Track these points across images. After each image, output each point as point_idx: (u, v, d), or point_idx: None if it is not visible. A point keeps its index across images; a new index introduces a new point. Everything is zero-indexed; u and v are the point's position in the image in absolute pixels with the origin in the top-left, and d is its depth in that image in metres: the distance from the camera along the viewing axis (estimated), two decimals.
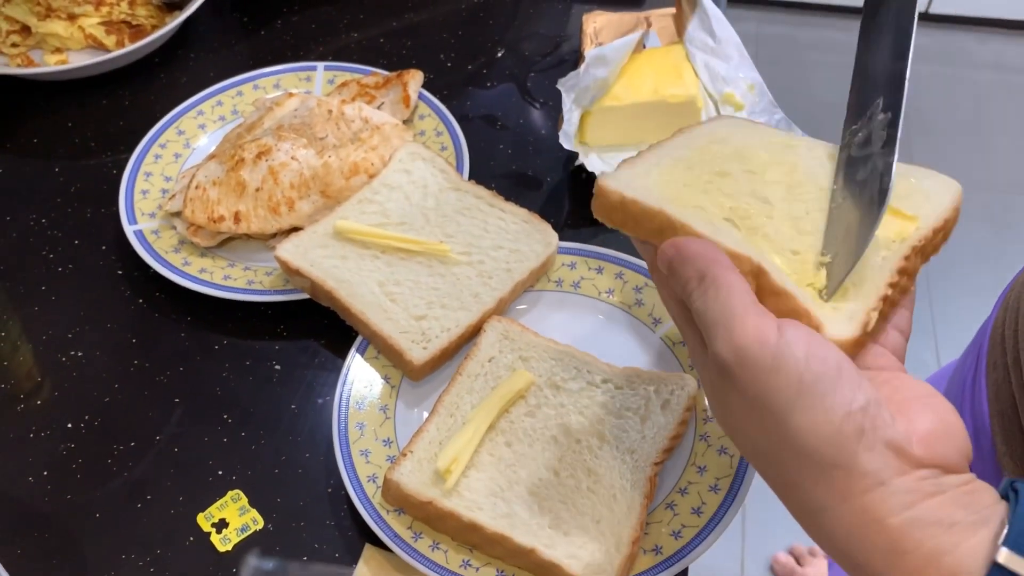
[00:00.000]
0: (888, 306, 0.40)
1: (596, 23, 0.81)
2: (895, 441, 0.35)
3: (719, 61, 0.77)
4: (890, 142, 0.42)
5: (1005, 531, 0.32)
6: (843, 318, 0.39)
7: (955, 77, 2.24)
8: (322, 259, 0.64)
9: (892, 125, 0.43)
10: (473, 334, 0.62)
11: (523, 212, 0.67)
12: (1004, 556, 0.32)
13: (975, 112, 2.18)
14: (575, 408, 0.58)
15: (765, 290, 0.39)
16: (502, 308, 0.64)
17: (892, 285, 0.40)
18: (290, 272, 0.64)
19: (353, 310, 0.62)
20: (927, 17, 2.28)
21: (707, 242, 0.39)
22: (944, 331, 1.82)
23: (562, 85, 0.72)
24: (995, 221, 1.97)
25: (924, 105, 2.17)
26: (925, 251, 0.42)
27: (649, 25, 0.79)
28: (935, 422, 0.36)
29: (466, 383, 0.60)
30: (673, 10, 0.82)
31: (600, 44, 0.78)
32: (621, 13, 0.82)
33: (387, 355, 0.62)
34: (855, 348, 0.38)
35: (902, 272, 0.41)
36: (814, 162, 0.45)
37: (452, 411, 0.59)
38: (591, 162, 0.73)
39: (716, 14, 0.78)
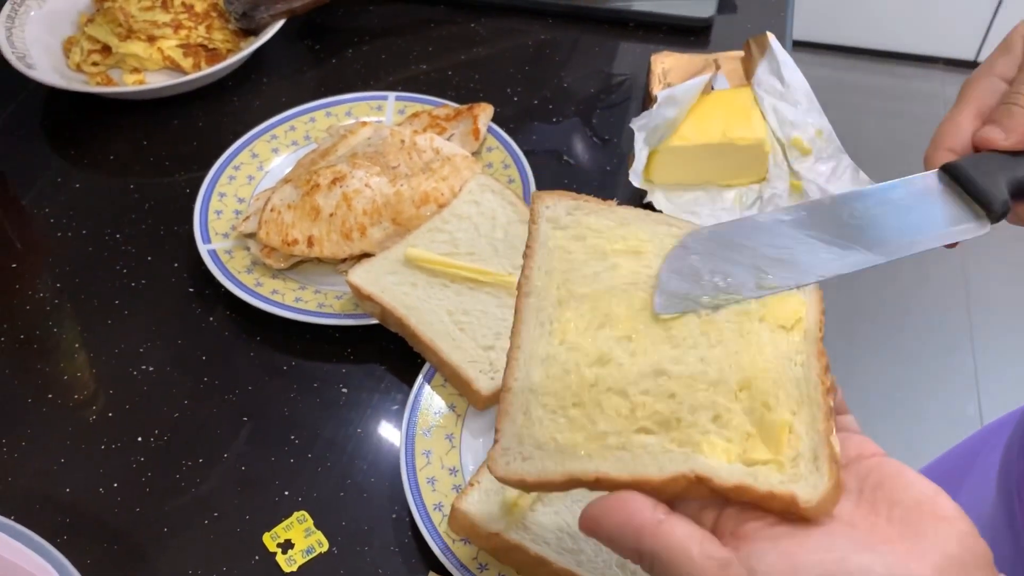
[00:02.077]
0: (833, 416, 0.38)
1: (664, 64, 0.82)
2: None
3: (787, 105, 0.78)
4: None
5: None
6: (809, 473, 0.35)
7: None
8: (393, 286, 0.65)
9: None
10: None
11: None
12: None
13: None
14: None
15: (716, 494, 0.36)
16: None
17: (828, 391, 0.38)
18: (361, 297, 0.65)
19: (423, 338, 0.63)
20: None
21: (621, 502, 0.36)
22: (987, 383, 1.81)
23: (635, 124, 0.73)
24: None
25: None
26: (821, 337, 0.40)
27: (718, 67, 0.80)
28: (953, 533, 0.33)
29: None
30: (742, 53, 0.83)
31: (669, 84, 0.79)
32: (690, 55, 0.83)
33: (454, 384, 0.62)
34: (837, 492, 0.35)
35: (826, 369, 0.38)
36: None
37: None
38: (657, 200, 0.74)
39: (785, 59, 0.79)
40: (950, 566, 0.32)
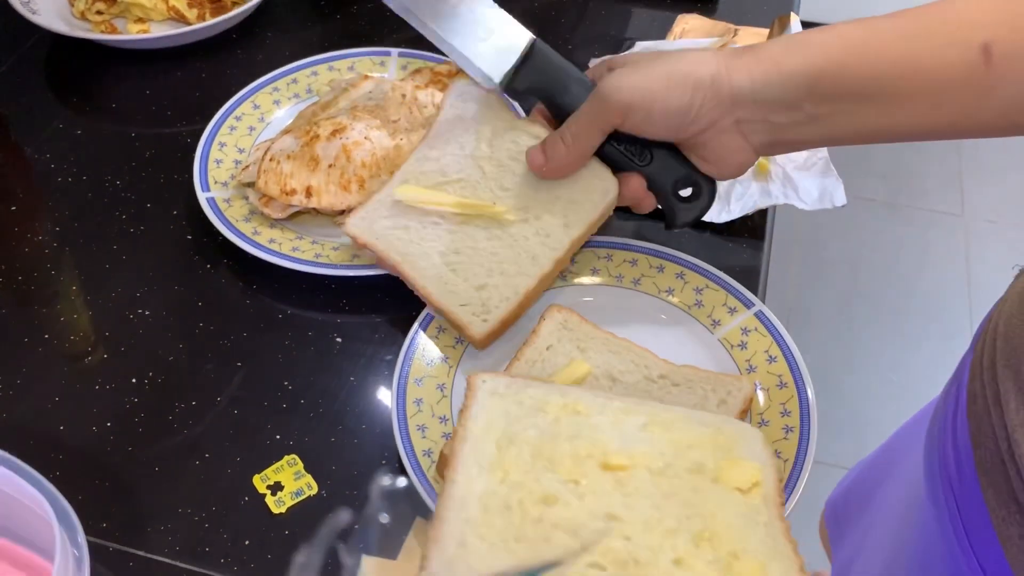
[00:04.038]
0: None
1: (687, 24, 0.82)
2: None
3: None
4: None
5: None
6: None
7: None
8: (387, 231, 0.64)
9: None
10: (533, 299, 0.63)
11: None
12: None
13: None
14: None
15: None
16: (559, 269, 0.64)
17: (791, 542, 0.38)
18: (359, 246, 0.65)
19: (417, 284, 0.63)
20: None
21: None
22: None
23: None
24: None
25: None
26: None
27: (735, 34, 0.79)
28: None
29: (523, 368, 0.61)
30: (766, 31, 0.82)
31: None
32: (714, 21, 0.82)
33: (452, 327, 0.63)
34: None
35: (788, 530, 0.39)
36: (611, 429, 0.44)
37: None
38: None
39: None
40: None
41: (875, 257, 2.07)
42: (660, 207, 0.63)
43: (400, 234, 0.64)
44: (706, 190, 0.61)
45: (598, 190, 0.63)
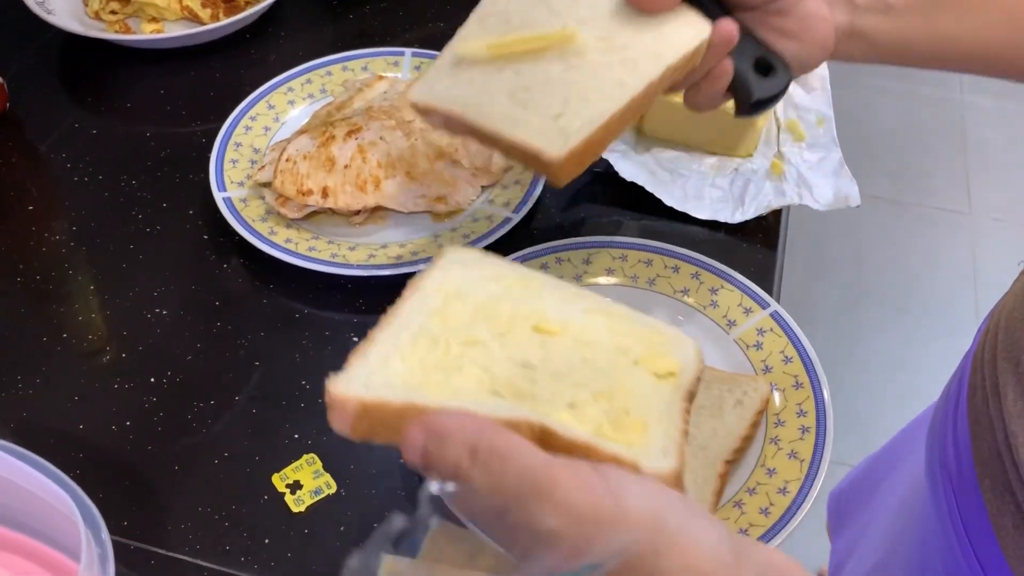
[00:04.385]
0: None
1: None
2: (768, 559, 0.32)
3: (800, 88, 0.78)
4: None
5: None
6: (656, 453, 0.36)
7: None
8: (448, 89, 0.54)
9: None
10: (619, 129, 0.53)
11: None
12: None
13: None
14: None
15: (558, 451, 0.34)
16: (652, 95, 0.54)
17: (685, 432, 0.39)
18: (421, 111, 0.55)
19: (484, 129, 0.52)
20: None
21: (461, 412, 0.33)
22: None
23: None
24: None
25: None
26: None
27: None
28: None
29: None
30: None
31: None
32: None
33: (526, 163, 0.53)
34: (678, 482, 0.35)
35: (687, 412, 0.40)
36: (557, 303, 0.43)
37: None
38: (622, 168, 0.73)
39: None
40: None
41: (882, 255, 2.07)
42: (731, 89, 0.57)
43: (463, 88, 0.54)
44: (783, 69, 0.55)
45: (692, 26, 0.54)
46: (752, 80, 0.55)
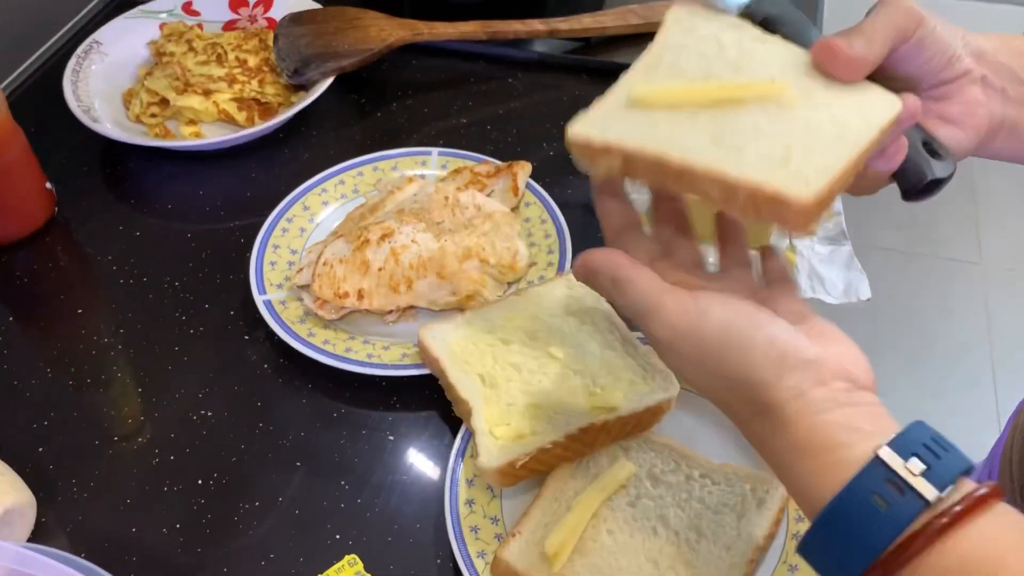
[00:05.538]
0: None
1: None
2: (811, 359, 0.44)
3: None
4: None
5: (892, 437, 0.41)
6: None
7: None
8: (628, 131, 0.48)
9: None
10: (842, 186, 0.48)
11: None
12: (885, 452, 0.40)
13: None
14: (673, 501, 0.62)
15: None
16: (863, 159, 0.49)
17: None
18: (592, 153, 0.48)
19: (696, 167, 0.46)
20: None
21: (608, 251, 0.48)
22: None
23: None
24: None
25: None
26: None
27: None
28: (846, 347, 0.46)
29: (569, 468, 0.64)
30: None
31: None
32: None
33: (754, 211, 0.46)
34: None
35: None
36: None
37: (557, 496, 0.63)
38: None
39: None
40: (848, 361, 0.45)
41: (894, 307, 2.09)
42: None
43: (647, 130, 0.48)
44: (948, 152, 0.53)
45: (882, 98, 0.51)
46: (926, 161, 0.53)
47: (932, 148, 0.53)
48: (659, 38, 0.53)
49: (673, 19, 0.54)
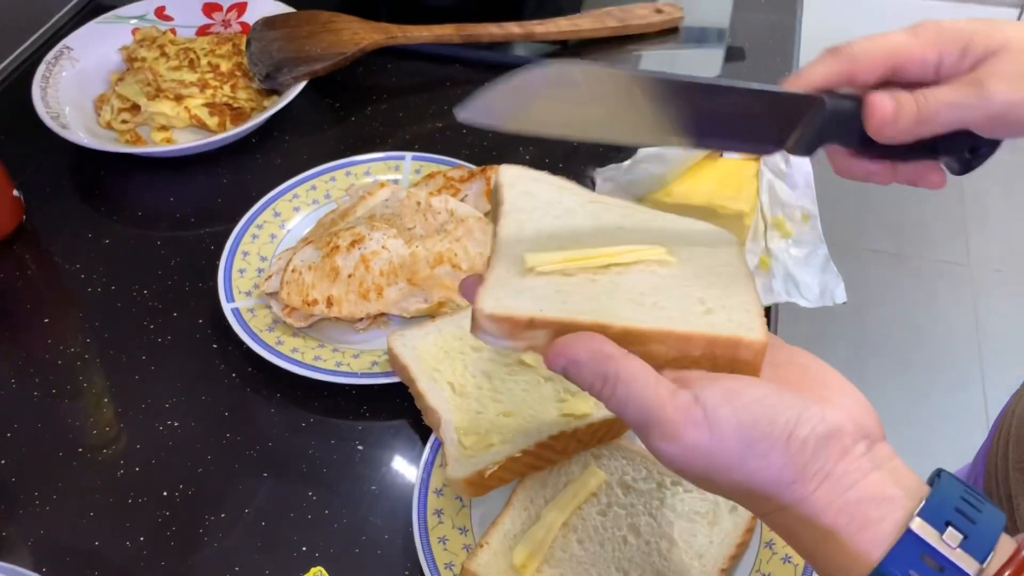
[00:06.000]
0: None
1: None
2: (831, 432, 0.39)
3: (784, 185, 0.80)
4: None
5: (922, 504, 0.38)
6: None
7: None
8: (544, 302, 0.45)
9: None
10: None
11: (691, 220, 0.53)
12: (917, 525, 0.37)
13: None
14: (645, 509, 0.61)
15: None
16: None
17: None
18: (513, 330, 0.44)
19: (643, 329, 0.43)
20: None
21: (591, 336, 0.41)
22: None
23: (599, 174, 0.77)
24: None
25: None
26: None
27: None
28: (851, 395, 0.42)
29: (539, 476, 0.63)
30: None
31: None
32: None
33: (711, 360, 0.44)
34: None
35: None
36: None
37: (526, 504, 0.62)
38: None
39: None
40: (859, 414, 0.40)
41: (883, 309, 2.09)
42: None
43: (562, 298, 0.45)
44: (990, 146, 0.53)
45: (715, 234, 0.52)
46: (962, 163, 0.54)
47: (978, 147, 0.53)
48: (505, 198, 0.52)
49: (508, 181, 0.53)
